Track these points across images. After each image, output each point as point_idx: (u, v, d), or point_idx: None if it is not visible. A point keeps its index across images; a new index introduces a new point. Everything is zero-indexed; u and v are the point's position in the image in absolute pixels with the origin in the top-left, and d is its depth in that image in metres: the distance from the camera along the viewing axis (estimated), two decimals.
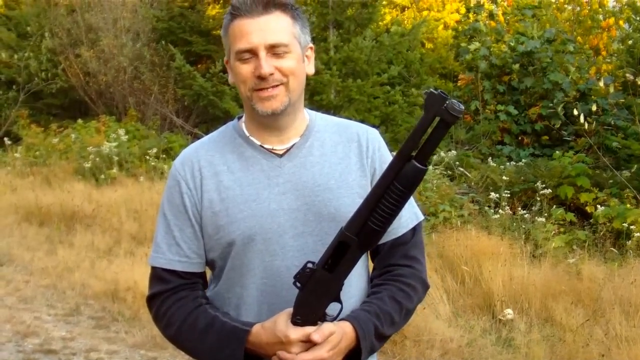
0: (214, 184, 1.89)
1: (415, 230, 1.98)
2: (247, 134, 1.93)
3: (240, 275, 1.88)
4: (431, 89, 1.52)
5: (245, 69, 1.83)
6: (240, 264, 1.87)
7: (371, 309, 1.85)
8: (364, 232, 1.62)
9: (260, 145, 1.91)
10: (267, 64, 1.80)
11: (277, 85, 1.82)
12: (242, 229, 1.85)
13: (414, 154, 1.56)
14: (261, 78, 1.81)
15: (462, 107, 1.50)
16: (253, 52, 1.81)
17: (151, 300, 1.95)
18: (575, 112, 9.33)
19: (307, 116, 1.98)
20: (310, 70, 1.95)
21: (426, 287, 2.00)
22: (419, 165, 1.55)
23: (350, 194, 1.90)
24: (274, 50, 1.81)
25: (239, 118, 1.99)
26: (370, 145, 1.97)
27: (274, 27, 1.82)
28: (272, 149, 1.91)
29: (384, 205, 1.59)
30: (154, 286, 1.94)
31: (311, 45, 1.94)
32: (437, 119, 1.51)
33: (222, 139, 1.97)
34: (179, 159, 1.95)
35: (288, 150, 1.91)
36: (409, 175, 1.56)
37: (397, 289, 1.90)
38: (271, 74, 1.80)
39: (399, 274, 1.93)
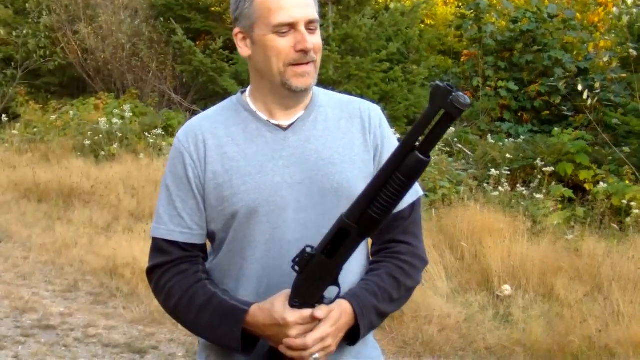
0: (218, 156, 1.87)
1: (414, 205, 1.96)
2: (254, 108, 1.91)
3: (242, 247, 1.87)
4: (437, 82, 1.51)
5: (284, 43, 1.78)
6: (243, 236, 1.86)
7: (369, 287, 1.84)
8: (364, 220, 1.61)
9: (267, 120, 1.89)
10: (310, 39, 1.78)
11: (309, 62, 1.81)
12: (245, 201, 1.83)
13: (417, 144, 1.55)
14: (305, 52, 1.78)
15: (468, 100, 1.49)
16: (293, 26, 1.78)
17: (151, 272, 1.93)
18: (580, 88, 9.30)
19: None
20: None
21: (424, 263, 1.99)
22: (421, 157, 1.55)
23: (354, 169, 1.88)
24: (309, 26, 1.79)
25: (242, 92, 1.97)
26: (373, 121, 1.95)
27: (308, 2, 1.80)
28: (279, 124, 1.89)
29: (384, 195, 1.58)
30: (154, 258, 1.92)
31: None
32: (442, 111, 1.50)
33: (226, 112, 1.94)
34: (183, 131, 1.93)
35: (292, 123, 1.90)
36: (411, 166, 1.55)
37: (395, 266, 1.89)
38: (311, 49, 1.79)
39: (397, 251, 1.92)
